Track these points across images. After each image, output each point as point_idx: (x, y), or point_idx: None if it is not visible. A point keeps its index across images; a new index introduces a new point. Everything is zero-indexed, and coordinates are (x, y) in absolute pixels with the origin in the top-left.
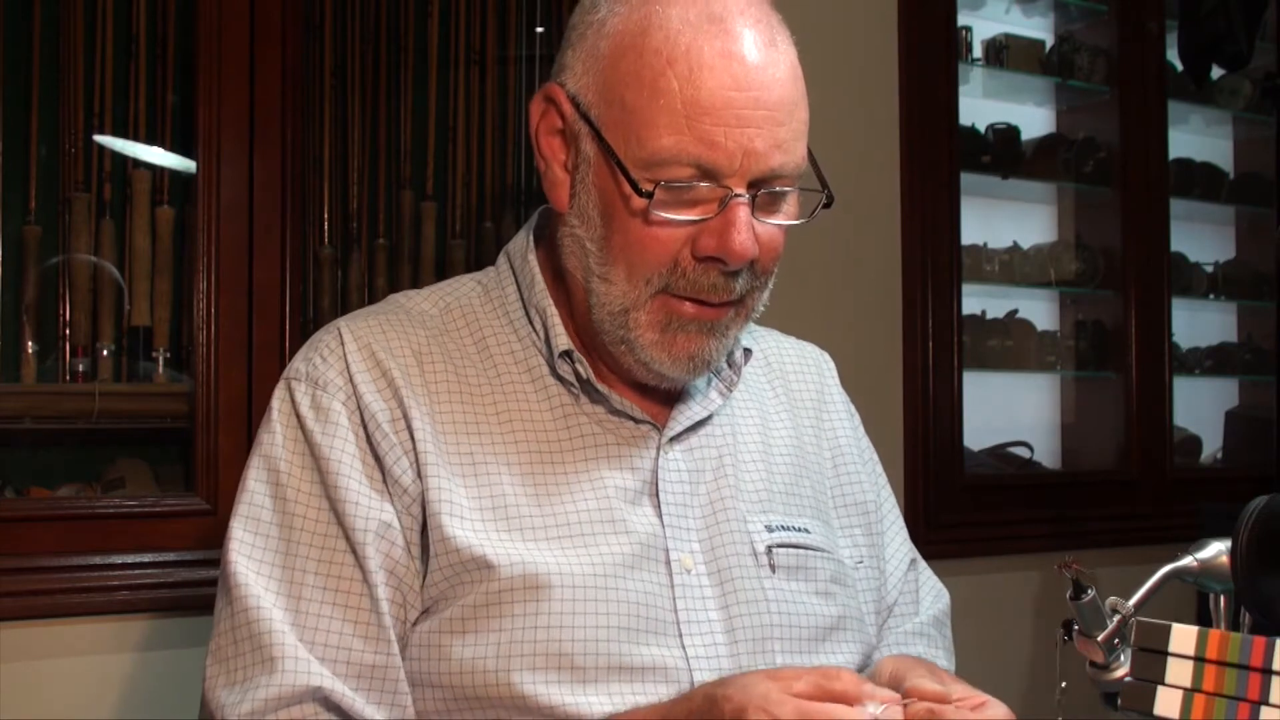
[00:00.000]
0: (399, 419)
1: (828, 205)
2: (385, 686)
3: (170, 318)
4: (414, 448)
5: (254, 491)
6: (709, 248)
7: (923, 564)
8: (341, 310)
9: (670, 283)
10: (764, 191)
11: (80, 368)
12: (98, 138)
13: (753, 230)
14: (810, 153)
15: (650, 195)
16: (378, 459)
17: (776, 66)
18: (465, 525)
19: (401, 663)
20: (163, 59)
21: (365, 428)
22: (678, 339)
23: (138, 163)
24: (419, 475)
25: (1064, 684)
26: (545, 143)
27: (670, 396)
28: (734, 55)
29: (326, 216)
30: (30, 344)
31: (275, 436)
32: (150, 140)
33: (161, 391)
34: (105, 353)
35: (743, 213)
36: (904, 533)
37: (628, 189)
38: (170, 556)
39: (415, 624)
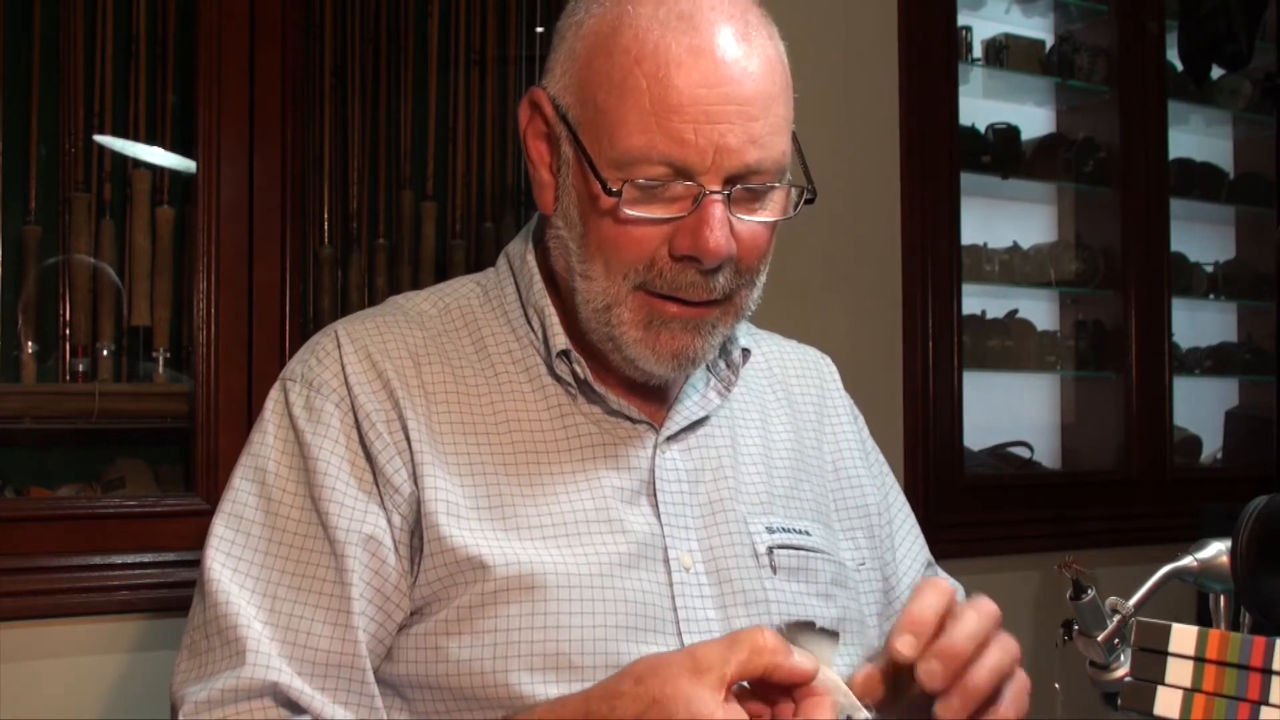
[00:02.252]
0: (394, 420)
1: (810, 200)
2: (351, 686)
3: (170, 318)
4: (409, 449)
5: (239, 490)
6: (684, 246)
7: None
8: (342, 310)
9: (648, 280)
10: (741, 188)
11: (80, 368)
12: (98, 138)
13: (729, 228)
14: (798, 147)
15: (618, 194)
16: (370, 460)
17: (750, 61)
18: (461, 525)
19: (369, 664)
20: (163, 59)
21: (359, 429)
22: (661, 336)
23: (138, 163)
24: (413, 476)
25: (1057, 684)
26: (532, 146)
27: (668, 397)
28: (703, 51)
29: (326, 216)
30: (30, 344)
31: (267, 437)
32: (150, 140)
33: (161, 391)
34: (105, 353)
35: (717, 210)
36: (917, 531)
37: (597, 188)
38: (170, 556)
39: (409, 626)
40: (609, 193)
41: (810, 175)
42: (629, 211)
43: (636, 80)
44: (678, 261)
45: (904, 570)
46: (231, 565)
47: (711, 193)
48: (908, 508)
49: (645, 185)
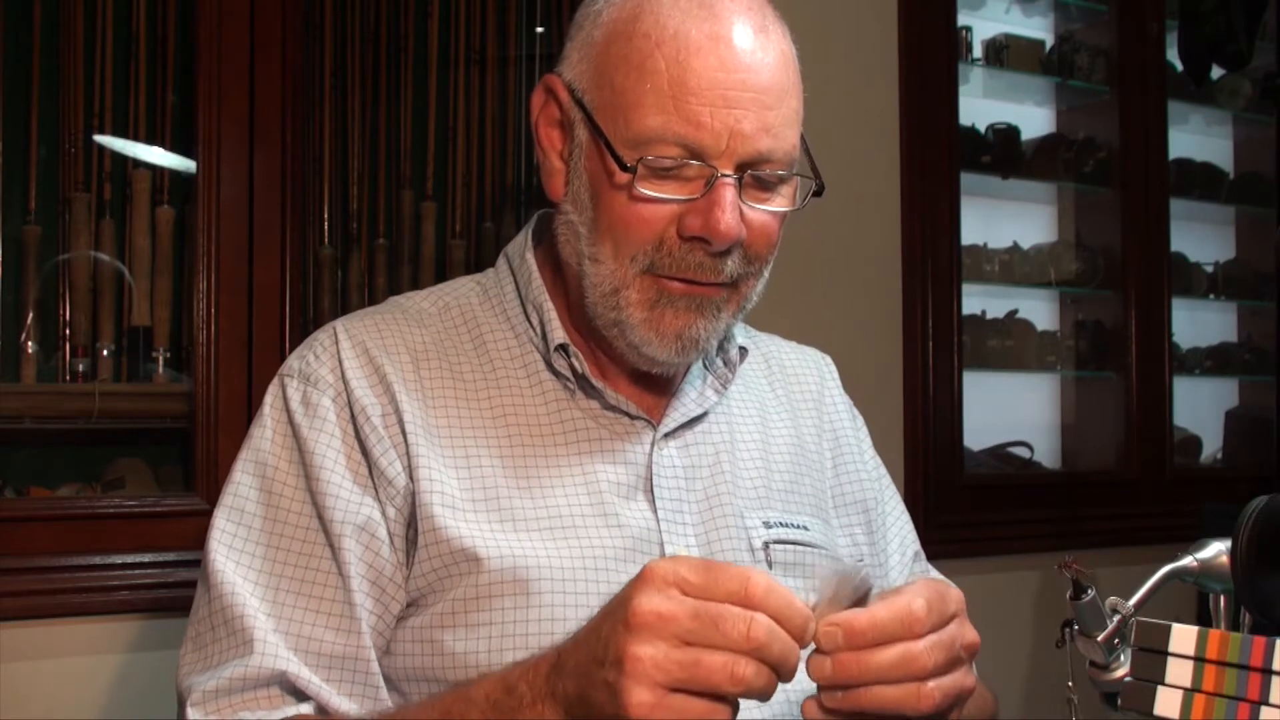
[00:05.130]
0: (390, 414)
1: (818, 194)
2: (356, 678)
3: (170, 318)
4: (405, 442)
5: (240, 484)
6: (694, 227)
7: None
8: (341, 310)
9: (656, 261)
10: (751, 174)
11: (80, 368)
12: (98, 138)
13: (739, 212)
14: (804, 141)
15: (633, 170)
16: (365, 453)
17: (766, 52)
18: (456, 515)
19: (374, 655)
20: (163, 59)
21: (355, 422)
22: (665, 316)
23: (138, 163)
24: (408, 469)
25: (1070, 684)
26: (545, 133)
27: (666, 394)
28: (722, 38)
29: (326, 216)
30: (30, 344)
31: (265, 431)
32: (150, 140)
33: (161, 391)
34: (105, 353)
35: (728, 193)
36: (908, 524)
37: (612, 165)
38: (170, 556)
39: (405, 619)
40: (624, 168)
41: (818, 169)
42: (642, 189)
43: (656, 62)
44: (686, 242)
45: (894, 563)
46: (235, 558)
47: (723, 176)
48: (901, 503)
49: (658, 164)
